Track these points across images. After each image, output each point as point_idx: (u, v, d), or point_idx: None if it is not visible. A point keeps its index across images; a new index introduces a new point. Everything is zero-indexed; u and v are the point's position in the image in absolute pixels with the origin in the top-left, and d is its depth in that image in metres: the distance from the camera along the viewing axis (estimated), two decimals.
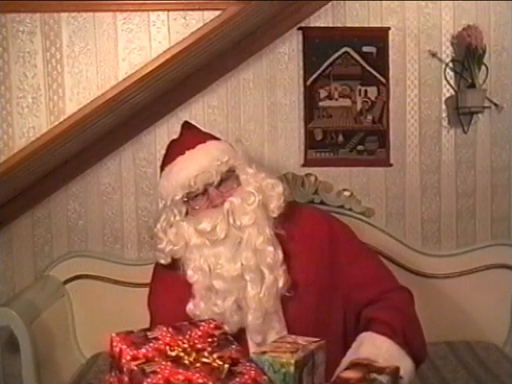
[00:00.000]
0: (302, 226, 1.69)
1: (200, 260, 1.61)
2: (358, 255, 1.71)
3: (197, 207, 1.64)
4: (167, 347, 1.27)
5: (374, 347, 1.49)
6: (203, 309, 1.61)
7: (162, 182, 1.71)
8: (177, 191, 1.62)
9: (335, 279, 1.67)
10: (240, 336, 1.60)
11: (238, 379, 1.23)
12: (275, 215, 1.64)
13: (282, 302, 1.62)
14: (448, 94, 2.73)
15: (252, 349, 1.56)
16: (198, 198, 1.63)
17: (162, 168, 1.74)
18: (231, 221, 1.59)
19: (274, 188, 1.66)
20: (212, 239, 1.60)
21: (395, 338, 1.52)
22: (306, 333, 1.46)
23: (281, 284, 1.59)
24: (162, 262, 1.69)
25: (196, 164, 1.62)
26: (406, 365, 1.48)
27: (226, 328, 1.54)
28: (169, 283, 1.70)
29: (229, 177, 1.64)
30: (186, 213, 1.66)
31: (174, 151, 1.71)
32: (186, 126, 1.84)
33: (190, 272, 1.62)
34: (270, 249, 1.59)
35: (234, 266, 1.58)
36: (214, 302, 1.60)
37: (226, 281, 1.58)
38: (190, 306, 1.62)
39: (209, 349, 1.30)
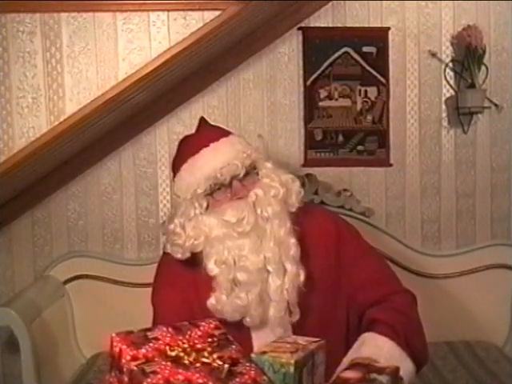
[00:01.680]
0: (310, 224, 1.69)
1: (224, 252, 1.59)
2: (363, 256, 1.71)
3: (219, 200, 1.62)
4: (167, 347, 1.27)
5: (376, 347, 1.49)
6: (226, 302, 1.58)
7: (182, 176, 1.68)
8: (200, 183, 1.60)
9: (340, 279, 1.67)
10: (244, 331, 1.60)
11: (237, 379, 1.23)
12: (293, 209, 1.64)
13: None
14: (448, 94, 2.73)
15: (256, 343, 1.57)
16: (220, 191, 1.62)
17: (176, 165, 1.72)
18: (258, 211, 1.58)
19: (294, 183, 1.66)
20: (238, 231, 1.58)
21: (397, 340, 1.52)
22: (309, 331, 1.47)
23: (302, 278, 1.58)
24: (179, 256, 1.64)
25: (222, 156, 1.61)
26: (406, 366, 1.48)
27: (248, 320, 1.56)
28: (174, 280, 1.68)
29: (250, 170, 1.64)
30: (207, 207, 1.64)
31: (195, 144, 1.68)
32: (204, 121, 1.82)
33: (210, 265, 1.59)
34: (293, 241, 1.59)
35: (258, 257, 1.57)
36: (238, 294, 1.57)
37: (250, 273, 1.57)
38: (211, 301, 1.59)
39: (209, 349, 1.30)
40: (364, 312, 1.63)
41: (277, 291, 1.57)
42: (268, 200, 1.60)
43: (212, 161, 1.61)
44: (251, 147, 1.66)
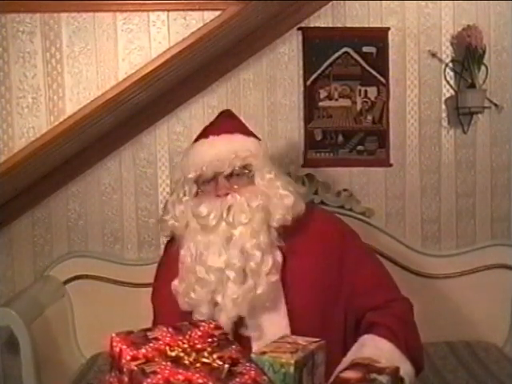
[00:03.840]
0: (314, 227, 1.69)
1: (191, 244, 1.63)
2: (364, 262, 1.71)
3: (205, 192, 1.65)
4: (167, 347, 1.27)
5: (376, 348, 1.50)
6: (183, 290, 1.62)
7: (183, 157, 1.74)
8: (190, 171, 1.65)
9: (340, 283, 1.67)
10: (242, 332, 1.60)
11: (237, 379, 1.23)
12: (275, 225, 1.63)
13: (287, 300, 1.62)
14: (448, 94, 2.73)
15: (254, 342, 1.58)
16: (207, 184, 1.64)
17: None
18: (224, 215, 1.59)
19: (283, 199, 1.64)
20: (203, 224, 1.61)
21: (396, 342, 1.53)
22: (308, 332, 1.46)
23: (259, 291, 1.57)
24: (164, 232, 1.74)
25: (213, 151, 1.64)
26: (406, 368, 1.49)
27: (197, 316, 1.57)
28: (172, 275, 1.70)
29: (243, 173, 1.64)
30: (196, 194, 1.67)
31: (202, 132, 1.75)
32: (225, 113, 1.84)
33: (182, 252, 1.65)
34: (258, 254, 1.58)
35: (219, 258, 1.58)
36: (193, 287, 1.60)
37: (207, 270, 1.59)
38: (174, 283, 1.64)
39: (209, 349, 1.30)
40: (362, 316, 1.63)
41: (231, 298, 1.57)
42: (243, 207, 1.60)
43: (203, 153, 1.65)
44: (253, 152, 1.66)
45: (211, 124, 1.78)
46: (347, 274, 1.67)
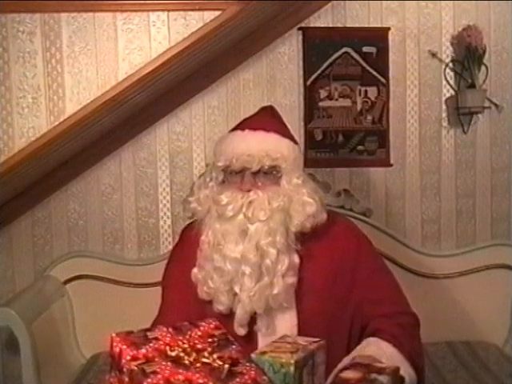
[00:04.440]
0: (332, 234, 1.70)
1: (209, 231, 1.64)
2: (377, 273, 1.73)
3: (231, 183, 1.66)
4: (167, 347, 1.27)
5: (379, 349, 1.51)
6: (201, 278, 1.64)
7: (217, 143, 1.75)
8: (220, 159, 1.66)
9: (351, 291, 1.68)
10: (250, 325, 1.62)
11: (238, 379, 1.23)
12: (294, 230, 1.63)
13: (298, 302, 1.64)
14: (448, 94, 2.73)
15: (261, 338, 1.60)
16: (234, 176, 1.65)
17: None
18: (244, 209, 1.60)
19: (305, 206, 1.64)
20: (220, 213, 1.62)
21: (400, 348, 1.53)
22: (314, 336, 1.46)
23: (275, 291, 1.58)
24: (186, 213, 1.75)
25: (245, 145, 1.64)
26: (408, 372, 1.49)
27: (215, 305, 1.60)
28: (184, 257, 1.73)
29: (270, 173, 1.65)
30: (222, 182, 1.68)
31: (239, 123, 1.76)
32: (267, 109, 1.84)
33: (203, 237, 1.66)
34: (273, 251, 1.59)
35: (235, 248, 1.60)
36: (211, 275, 1.62)
37: (224, 259, 1.60)
38: (194, 270, 1.66)
39: (209, 349, 1.30)
40: (368, 323, 1.64)
41: (246, 293, 1.59)
42: (264, 205, 1.60)
43: (235, 145, 1.66)
44: (284, 154, 1.66)
45: (250, 117, 1.79)
46: (359, 282, 1.68)
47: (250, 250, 1.59)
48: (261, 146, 1.64)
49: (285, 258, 1.60)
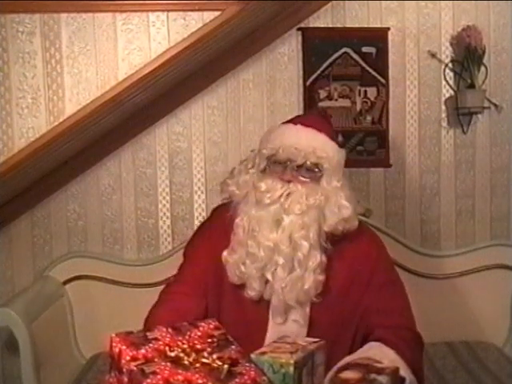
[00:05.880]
0: (356, 244, 1.72)
1: (245, 217, 1.67)
2: (391, 285, 1.74)
3: (271, 171, 1.68)
4: (167, 348, 1.27)
5: (381, 352, 1.51)
6: (233, 262, 1.66)
7: (266, 132, 1.79)
8: (267, 147, 1.68)
9: (360, 301, 1.70)
10: (263, 310, 1.65)
11: (237, 380, 1.23)
12: (326, 230, 1.66)
13: (311, 303, 1.66)
14: (447, 95, 2.73)
15: (271, 325, 1.63)
16: (277, 165, 1.67)
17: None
18: (282, 199, 1.63)
19: (341, 209, 1.66)
20: (258, 198, 1.64)
21: (402, 356, 1.53)
22: (322, 336, 1.48)
23: (306, 286, 1.61)
24: (222, 194, 1.77)
25: (295, 138, 1.67)
26: (409, 375, 1.49)
27: (247, 290, 1.63)
28: (211, 233, 1.77)
29: (313, 170, 1.67)
30: (264, 170, 1.70)
31: (293, 118, 1.80)
32: (320, 112, 1.91)
33: (237, 220, 1.69)
34: (305, 244, 1.62)
35: (270, 235, 1.62)
36: (244, 260, 1.64)
37: (258, 245, 1.63)
38: (224, 252, 1.68)
39: (208, 349, 1.30)
40: (372, 332, 1.64)
41: (279, 283, 1.61)
42: (301, 199, 1.63)
43: (285, 137, 1.68)
44: (329, 156, 1.69)
45: (304, 115, 1.86)
46: (371, 290, 1.70)
47: (283, 241, 1.61)
48: (309, 142, 1.67)
49: (316, 254, 1.63)
